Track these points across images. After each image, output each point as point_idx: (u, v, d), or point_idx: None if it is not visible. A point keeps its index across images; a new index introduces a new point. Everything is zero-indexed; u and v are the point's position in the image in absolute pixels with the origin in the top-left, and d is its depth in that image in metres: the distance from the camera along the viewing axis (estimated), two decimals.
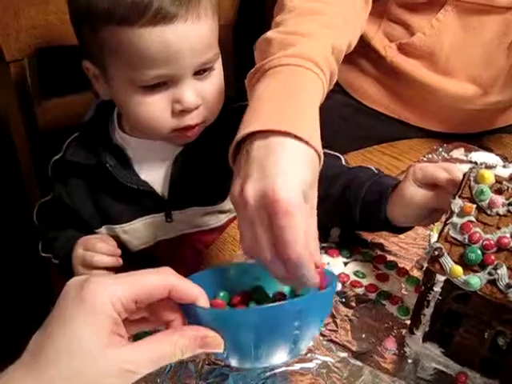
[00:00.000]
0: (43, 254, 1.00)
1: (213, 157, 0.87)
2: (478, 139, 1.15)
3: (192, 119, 0.80)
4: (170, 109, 0.78)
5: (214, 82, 0.81)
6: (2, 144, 1.12)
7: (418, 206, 0.74)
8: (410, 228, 0.81)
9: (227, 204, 0.92)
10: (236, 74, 0.94)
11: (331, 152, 0.91)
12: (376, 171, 0.86)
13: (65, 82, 1.16)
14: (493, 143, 1.13)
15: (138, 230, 0.91)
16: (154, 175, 0.89)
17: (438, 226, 0.84)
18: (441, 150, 1.09)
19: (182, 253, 0.93)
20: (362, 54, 1.16)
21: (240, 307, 0.62)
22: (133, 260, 0.93)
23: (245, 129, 0.63)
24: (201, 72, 0.78)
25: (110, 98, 0.84)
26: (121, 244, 0.91)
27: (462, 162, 1.04)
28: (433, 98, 1.11)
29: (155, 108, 0.78)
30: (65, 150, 0.91)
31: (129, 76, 0.75)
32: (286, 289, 0.65)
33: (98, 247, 0.86)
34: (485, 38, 1.03)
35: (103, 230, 0.92)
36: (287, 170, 0.58)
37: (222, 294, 0.63)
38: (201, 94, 0.79)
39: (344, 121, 1.23)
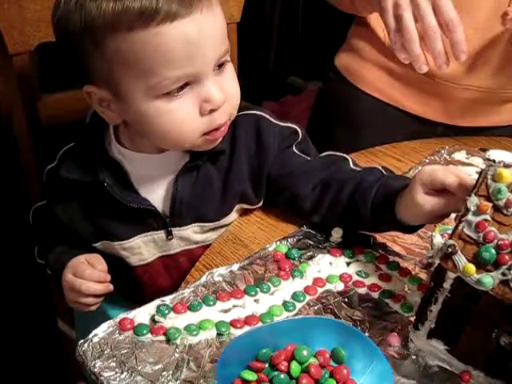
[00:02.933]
0: (38, 260, 0.97)
1: (216, 172, 0.86)
2: (478, 141, 1.16)
3: (221, 117, 0.77)
4: (198, 110, 0.75)
5: (231, 74, 0.79)
6: (3, 138, 1.12)
7: (429, 213, 0.75)
8: (421, 226, 0.81)
9: (229, 218, 0.91)
10: (240, 73, 0.94)
11: (338, 154, 0.92)
12: (383, 171, 0.86)
13: (67, 77, 1.16)
14: (493, 146, 1.14)
15: (137, 247, 0.88)
16: (155, 192, 0.85)
17: (440, 227, 0.85)
18: (443, 151, 1.09)
19: (181, 266, 0.90)
20: (360, 37, 1.20)
21: (281, 367, 0.63)
22: (129, 274, 0.91)
23: None
24: (219, 66, 0.76)
25: (120, 122, 0.80)
26: (118, 259, 0.89)
27: (463, 164, 1.04)
28: (429, 82, 1.12)
29: (183, 113, 0.74)
30: (59, 162, 0.87)
31: (148, 85, 0.71)
32: (327, 347, 0.65)
33: (87, 274, 0.82)
34: (479, 16, 1.07)
35: (100, 245, 0.89)
36: None
37: (263, 351, 0.63)
38: (223, 89, 0.76)
39: (343, 108, 1.25)
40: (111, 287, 0.84)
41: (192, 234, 0.89)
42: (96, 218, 0.87)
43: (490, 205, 0.61)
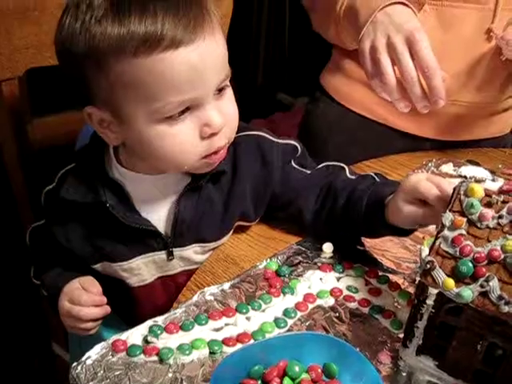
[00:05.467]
0: (34, 281, 0.97)
1: (217, 193, 0.87)
2: (465, 153, 1.17)
3: (220, 141, 0.78)
4: (198, 134, 0.75)
5: (230, 98, 0.79)
6: None
7: (412, 221, 0.78)
8: (413, 230, 0.83)
9: (227, 237, 0.91)
10: None
11: (335, 163, 0.94)
12: (375, 177, 0.89)
13: (56, 101, 1.16)
14: (480, 158, 1.15)
15: (138, 268, 0.88)
16: (156, 213, 0.86)
17: (428, 240, 0.86)
18: (430, 165, 1.10)
19: (180, 286, 0.88)
20: (345, 55, 1.21)
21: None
22: (127, 295, 0.91)
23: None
24: (219, 91, 0.76)
25: (121, 143, 0.80)
26: (117, 280, 0.89)
27: (451, 176, 1.05)
28: None
29: (184, 137, 0.75)
30: (59, 183, 0.86)
31: (150, 109, 0.72)
32: (319, 362, 0.66)
33: (84, 301, 0.83)
34: (463, 34, 1.09)
35: (99, 266, 0.89)
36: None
37: (256, 368, 0.64)
38: (223, 113, 0.76)
39: (329, 127, 1.26)
40: (109, 309, 0.85)
41: (193, 254, 0.89)
42: (96, 239, 0.86)
43: (465, 219, 0.62)
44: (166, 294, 0.92)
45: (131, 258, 0.87)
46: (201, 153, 0.77)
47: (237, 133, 0.83)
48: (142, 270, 0.88)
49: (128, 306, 0.93)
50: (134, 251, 0.87)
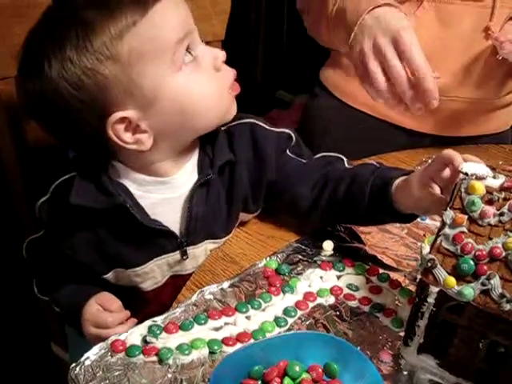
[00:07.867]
0: (40, 296, 0.95)
1: (221, 185, 0.87)
2: (465, 150, 1.17)
3: (230, 69, 0.82)
4: (213, 68, 0.79)
5: None
6: None
7: (419, 203, 0.77)
8: (415, 217, 0.83)
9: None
10: None
11: (333, 154, 0.93)
12: (377, 165, 0.88)
13: None
14: (480, 155, 1.14)
15: (152, 272, 0.87)
16: (169, 214, 0.84)
17: (429, 237, 0.85)
18: (430, 161, 1.09)
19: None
20: (345, 53, 1.19)
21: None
22: (137, 295, 0.90)
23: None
24: None
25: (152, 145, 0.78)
26: (131, 286, 0.88)
27: None
28: None
29: (205, 73, 0.78)
30: (54, 194, 0.84)
31: (166, 61, 0.74)
32: (320, 362, 0.65)
33: (110, 323, 0.82)
34: (461, 31, 1.09)
35: (111, 275, 0.87)
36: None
37: (256, 368, 0.63)
38: None
39: (329, 122, 1.26)
40: (135, 320, 0.84)
41: (204, 250, 0.89)
42: (106, 246, 0.84)
43: (466, 217, 0.62)
44: (174, 291, 0.90)
45: (145, 262, 0.86)
46: (225, 83, 0.81)
47: (231, 121, 0.84)
48: (155, 272, 0.87)
49: (136, 305, 0.91)
50: (147, 255, 0.86)
